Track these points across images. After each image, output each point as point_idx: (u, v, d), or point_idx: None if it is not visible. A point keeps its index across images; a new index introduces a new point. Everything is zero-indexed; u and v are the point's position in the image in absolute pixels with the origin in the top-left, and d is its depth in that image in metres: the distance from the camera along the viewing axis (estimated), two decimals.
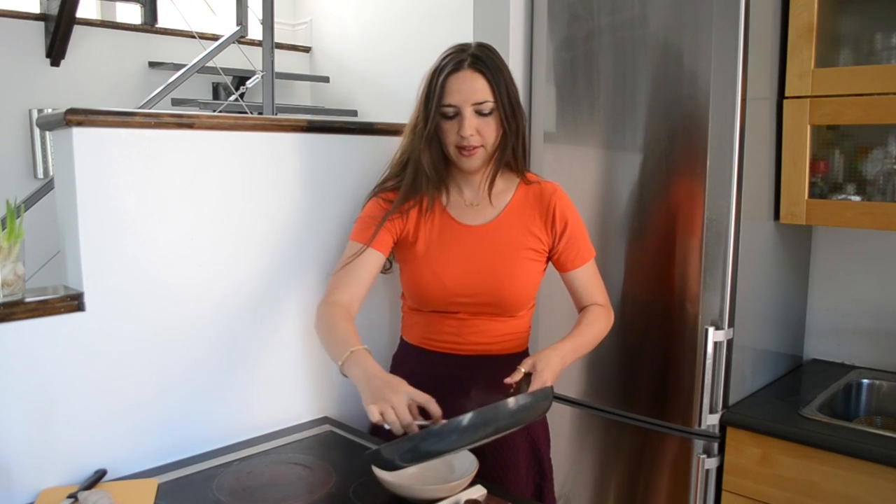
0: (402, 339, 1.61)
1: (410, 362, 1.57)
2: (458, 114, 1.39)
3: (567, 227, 1.47)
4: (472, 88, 1.38)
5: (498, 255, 1.45)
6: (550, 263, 1.53)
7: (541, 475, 1.53)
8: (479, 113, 1.39)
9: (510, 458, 1.47)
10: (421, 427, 1.19)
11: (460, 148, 1.41)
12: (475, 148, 1.41)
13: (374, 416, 1.17)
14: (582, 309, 1.52)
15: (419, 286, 1.49)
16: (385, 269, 1.59)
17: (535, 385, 1.27)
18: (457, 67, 1.38)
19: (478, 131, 1.40)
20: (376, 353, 1.74)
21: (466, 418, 1.12)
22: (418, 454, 1.13)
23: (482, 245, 1.46)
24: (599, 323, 1.48)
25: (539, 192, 1.50)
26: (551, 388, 1.26)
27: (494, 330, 1.49)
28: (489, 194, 1.48)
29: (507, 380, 1.30)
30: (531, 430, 1.51)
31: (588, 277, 1.51)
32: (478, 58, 1.39)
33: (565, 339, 1.41)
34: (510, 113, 1.41)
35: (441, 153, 1.46)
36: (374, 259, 1.46)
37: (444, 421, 1.13)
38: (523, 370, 1.30)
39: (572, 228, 1.48)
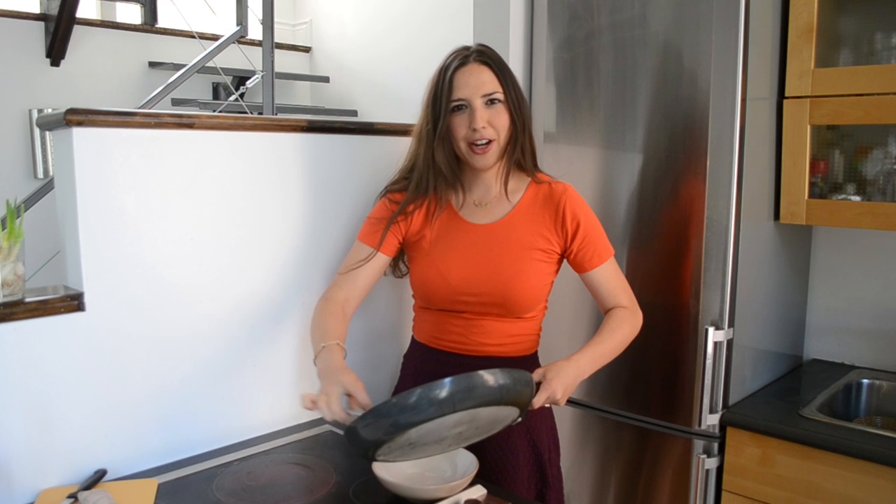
0: (412, 337, 1.62)
1: (417, 360, 1.57)
2: (467, 107, 1.40)
3: (580, 228, 1.44)
4: (479, 80, 1.39)
5: (504, 255, 1.44)
6: (567, 265, 1.51)
7: (543, 482, 1.51)
8: (490, 103, 1.39)
9: (510, 461, 1.47)
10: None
11: (472, 144, 1.41)
12: (488, 143, 1.41)
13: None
14: (607, 311, 1.48)
15: (424, 283, 1.49)
16: (401, 274, 1.61)
17: (542, 396, 1.26)
18: (463, 62, 1.40)
19: (489, 123, 1.40)
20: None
21: (443, 390, 1.09)
22: (399, 426, 1.10)
23: (489, 244, 1.45)
24: (623, 328, 1.44)
25: (549, 192, 1.48)
26: (531, 375, 1.21)
27: (501, 331, 1.47)
28: (505, 192, 1.47)
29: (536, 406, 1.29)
30: (535, 435, 1.49)
31: (608, 277, 1.47)
32: (482, 52, 1.41)
33: (584, 348, 1.38)
34: (518, 106, 1.42)
35: (452, 153, 1.46)
36: (377, 262, 1.50)
37: (419, 390, 1.10)
38: (534, 380, 1.28)
39: (586, 228, 1.45)
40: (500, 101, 1.40)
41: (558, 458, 1.57)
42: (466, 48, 1.42)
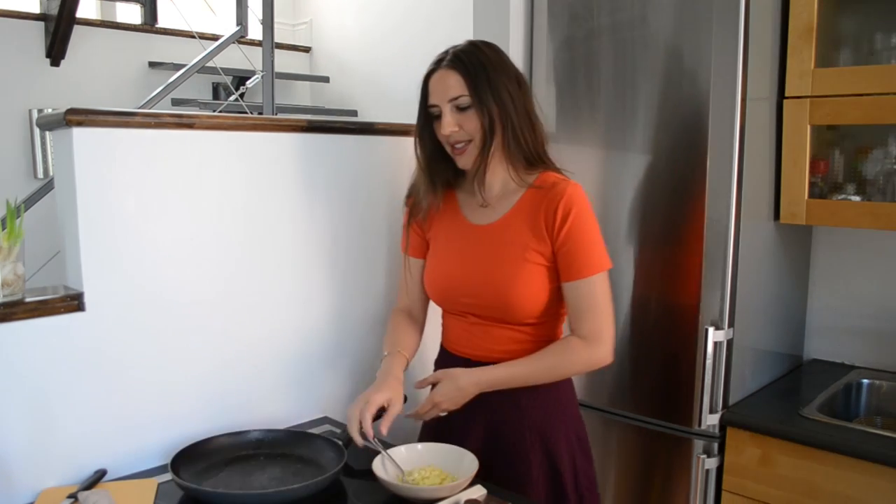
0: (440, 342, 1.61)
1: (438, 365, 1.58)
2: (441, 113, 1.40)
3: (567, 228, 1.34)
4: (445, 85, 1.37)
5: (500, 257, 1.40)
6: None
7: (562, 495, 1.42)
8: (458, 108, 1.38)
9: (522, 473, 1.41)
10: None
11: (452, 146, 1.42)
12: (464, 145, 1.40)
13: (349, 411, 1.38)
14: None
15: (429, 284, 1.52)
16: None
17: (426, 403, 1.37)
18: (435, 68, 1.41)
19: (460, 127, 1.38)
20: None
21: None
22: None
23: (485, 246, 1.43)
24: (556, 358, 1.37)
25: (552, 190, 1.39)
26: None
27: (507, 337, 1.42)
28: (482, 190, 1.43)
29: (417, 384, 1.44)
30: (550, 444, 1.42)
31: (581, 296, 1.35)
32: (457, 56, 1.38)
33: (498, 366, 1.38)
34: (493, 105, 1.35)
35: (445, 156, 1.47)
36: (418, 265, 1.57)
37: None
38: (430, 381, 1.39)
39: (575, 232, 1.34)
40: (467, 104, 1.36)
41: (589, 466, 1.48)
42: (447, 50, 1.41)
